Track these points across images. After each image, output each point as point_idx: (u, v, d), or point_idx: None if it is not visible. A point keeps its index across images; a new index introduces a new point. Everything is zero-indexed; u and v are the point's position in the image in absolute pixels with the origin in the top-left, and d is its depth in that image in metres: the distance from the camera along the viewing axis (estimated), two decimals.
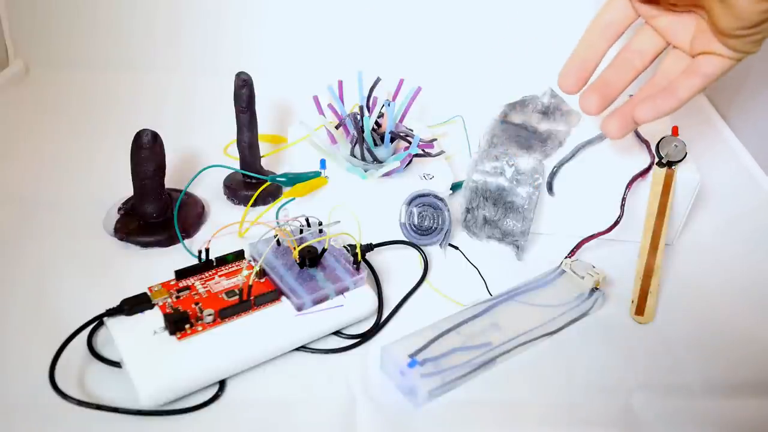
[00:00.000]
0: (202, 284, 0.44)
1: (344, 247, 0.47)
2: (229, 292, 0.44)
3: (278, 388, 0.41)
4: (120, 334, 0.40)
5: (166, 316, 0.41)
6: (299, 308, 0.43)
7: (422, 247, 0.53)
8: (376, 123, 0.55)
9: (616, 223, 0.52)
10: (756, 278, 0.53)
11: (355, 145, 0.54)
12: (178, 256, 0.50)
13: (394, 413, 0.40)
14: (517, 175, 0.52)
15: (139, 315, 0.41)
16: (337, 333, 0.45)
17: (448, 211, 0.53)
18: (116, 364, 0.41)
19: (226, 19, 0.77)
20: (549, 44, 0.66)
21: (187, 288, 0.44)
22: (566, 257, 0.51)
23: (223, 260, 0.46)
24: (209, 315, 0.41)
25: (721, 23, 0.37)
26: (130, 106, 0.72)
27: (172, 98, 0.74)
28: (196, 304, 0.43)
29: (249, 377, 0.41)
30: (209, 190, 0.59)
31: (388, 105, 0.53)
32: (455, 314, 0.45)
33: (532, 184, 0.52)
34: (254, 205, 0.56)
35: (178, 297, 0.43)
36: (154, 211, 0.52)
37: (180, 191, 0.54)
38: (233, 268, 0.46)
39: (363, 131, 0.52)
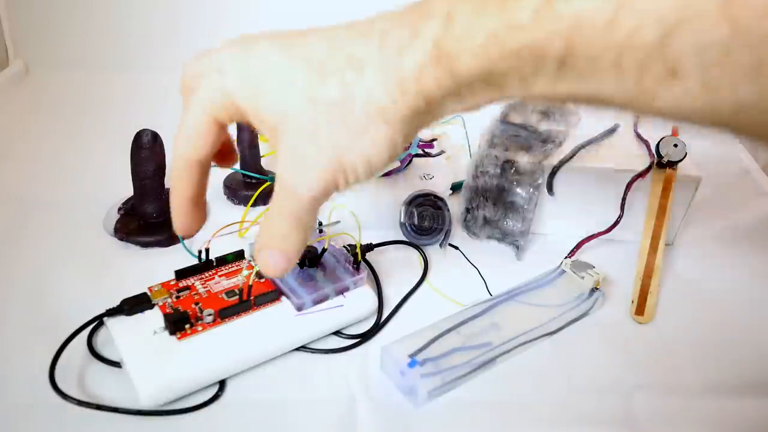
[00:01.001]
0: (202, 284, 0.44)
1: (344, 247, 0.47)
2: (229, 292, 0.44)
3: (278, 388, 0.41)
4: (120, 334, 0.40)
5: (166, 316, 0.41)
6: (299, 308, 0.43)
7: (422, 247, 0.53)
8: None
9: (616, 223, 0.52)
10: (756, 278, 0.53)
11: None
12: (178, 256, 0.50)
13: (394, 413, 0.40)
14: (517, 175, 0.52)
15: (139, 315, 0.41)
16: (337, 333, 0.45)
17: (448, 211, 0.53)
18: (116, 364, 0.41)
19: (226, 19, 0.77)
20: None
21: (187, 288, 0.44)
22: (566, 257, 0.51)
23: (223, 260, 0.46)
24: (209, 315, 0.41)
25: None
26: (130, 106, 0.72)
27: (171, 98, 0.73)
28: (196, 304, 0.43)
29: (249, 377, 0.41)
30: (209, 190, 0.57)
31: None
32: (455, 314, 0.45)
33: (532, 184, 0.52)
34: (254, 205, 0.56)
35: (178, 297, 0.43)
36: (154, 211, 0.52)
37: None
38: (233, 268, 0.46)
39: None
